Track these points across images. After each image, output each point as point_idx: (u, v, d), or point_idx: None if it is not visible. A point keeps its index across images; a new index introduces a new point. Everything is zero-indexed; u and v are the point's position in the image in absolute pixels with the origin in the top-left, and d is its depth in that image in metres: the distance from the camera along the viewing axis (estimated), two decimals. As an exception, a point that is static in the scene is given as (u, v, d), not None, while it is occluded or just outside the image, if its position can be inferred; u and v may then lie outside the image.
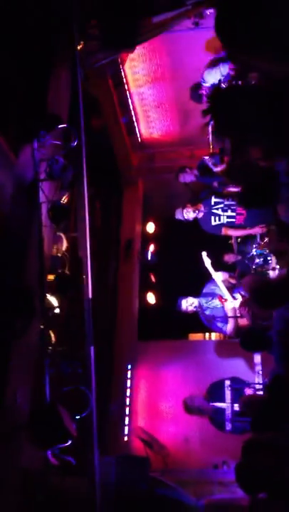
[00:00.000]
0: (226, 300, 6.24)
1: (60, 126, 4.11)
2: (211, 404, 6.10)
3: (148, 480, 4.82)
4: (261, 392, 5.76)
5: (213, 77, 6.03)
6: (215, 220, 6.49)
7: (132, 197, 8.52)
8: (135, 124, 7.89)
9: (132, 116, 7.70)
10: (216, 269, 6.54)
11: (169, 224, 7.57)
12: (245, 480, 3.07)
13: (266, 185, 4.30)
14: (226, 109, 2.43)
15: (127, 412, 6.64)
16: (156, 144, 8.33)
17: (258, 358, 6.27)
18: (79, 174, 4.67)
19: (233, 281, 6.63)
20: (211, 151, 6.77)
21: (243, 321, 5.91)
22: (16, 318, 3.41)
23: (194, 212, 6.52)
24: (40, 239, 3.92)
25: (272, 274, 6.09)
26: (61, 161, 4.00)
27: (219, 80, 5.94)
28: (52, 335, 4.26)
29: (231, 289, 6.42)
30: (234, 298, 6.22)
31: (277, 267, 6.06)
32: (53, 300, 4.59)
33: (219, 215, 6.47)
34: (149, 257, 8.02)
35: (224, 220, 6.46)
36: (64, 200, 4.98)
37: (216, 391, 6.21)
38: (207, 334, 7.74)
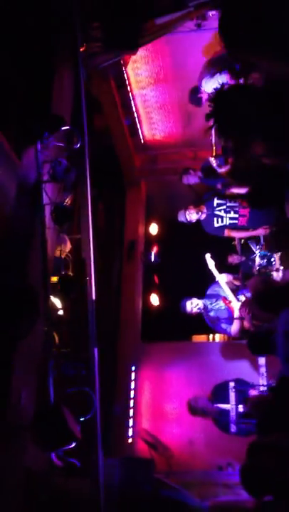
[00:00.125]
0: (230, 302, 6.23)
1: (63, 128, 4.11)
2: (215, 405, 6.08)
3: (152, 482, 4.81)
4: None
5: (210, 86, 6.01)
6: (217, 222, 6.48)
7: (135, 198, 8.52)
8: (138, 125, 7.89)
9: (134, 117, 7.69)
10: (220, 271, 6.53)
11: (172, 225, 7.56)
12: (250, 482, 3.06)
13: (273, 184, 4.29)
14: (229, 113, 2.44)
15: (131, 413, 6.64)
16: (158, 146, 8.33)
17: (262, 360, 6.25)
18: (82, 176, 4.68)
19: (237, 282, 6.62)
20: (215, 153, 6.76)
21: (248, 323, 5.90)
22: (20, 318, 3.41)
23: (197, 213, 6.51)
24: (44, 240, 3.93)
25: (275, 275, 6.08)
26: (64, 162, 4.01)
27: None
28: (55, 337, 4.26)
29: (235, 290, 6.41)
30: (238, 300, 6.21)
31: (281, 268, 6.05)
32: (57, 302, 4.60)
33: (222, 217, 6.46)
34: (153, 259, 8.01)
35: (227, 221, 6.45)
36: (67, 201, 4.99)
37: (220, 393, 6.20)
38: (211, 336, 7.73)
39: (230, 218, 6.43)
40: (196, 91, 6.29)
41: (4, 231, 3.89)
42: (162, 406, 6.71)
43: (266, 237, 6.37)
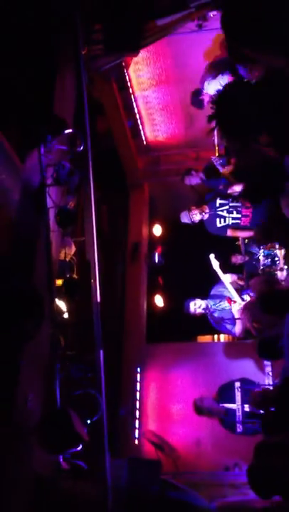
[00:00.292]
0: (234, 302, 6.23)
1: (66, 131, 4.13)
2: (221, 405, 6.08)
3: (159, 483, 4.81)
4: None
5: (212, 88, 6.01)
6: (220, 222, 6.49)
7: (138, 200, 8.53)
8: (140, 127, 7.90)
9: (136, 119, 7.70)
10: (224, 271, 6.53)
11: (175, 226, 7.57)
12: (257, 482, 3.05)
13: (270, 178, 4.29)
14: (231, 114, 2.46)
15: (137, 414, 6.64)
16: (161, 147, 8.34)
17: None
18: (85, 178, 4.69)
19: (241, 282, 6.62)
20: (217, 153, 6.76)
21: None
22: (26, 320, 3.41)
23: (200, 214, 6.52)
24: (48, 244, 3.94)
25: (280, 274, 6.08)
26: (68, 166, 4.01)
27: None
28: (61, 339, 4.27)
29: (240, 290, 6.41)
30: (243, 300, 6.21)
31: (286, 267, 6.04)
32: (62, 304, 4.61)
33: (224, 217, 6.46)
34: (157, 260, 8.02)
35: (229, 221, 6.45)
36: (71, 204, 5.00)
37: (225, 392, 6.20)
38: (216, 336, 7.72)
39: (233, 218, 6.43)
40: (198, 93, 6.29)
41: (9, 235, 3.90)
42: (168, 407, 6.71)
43: (255, 231, 6.30)
